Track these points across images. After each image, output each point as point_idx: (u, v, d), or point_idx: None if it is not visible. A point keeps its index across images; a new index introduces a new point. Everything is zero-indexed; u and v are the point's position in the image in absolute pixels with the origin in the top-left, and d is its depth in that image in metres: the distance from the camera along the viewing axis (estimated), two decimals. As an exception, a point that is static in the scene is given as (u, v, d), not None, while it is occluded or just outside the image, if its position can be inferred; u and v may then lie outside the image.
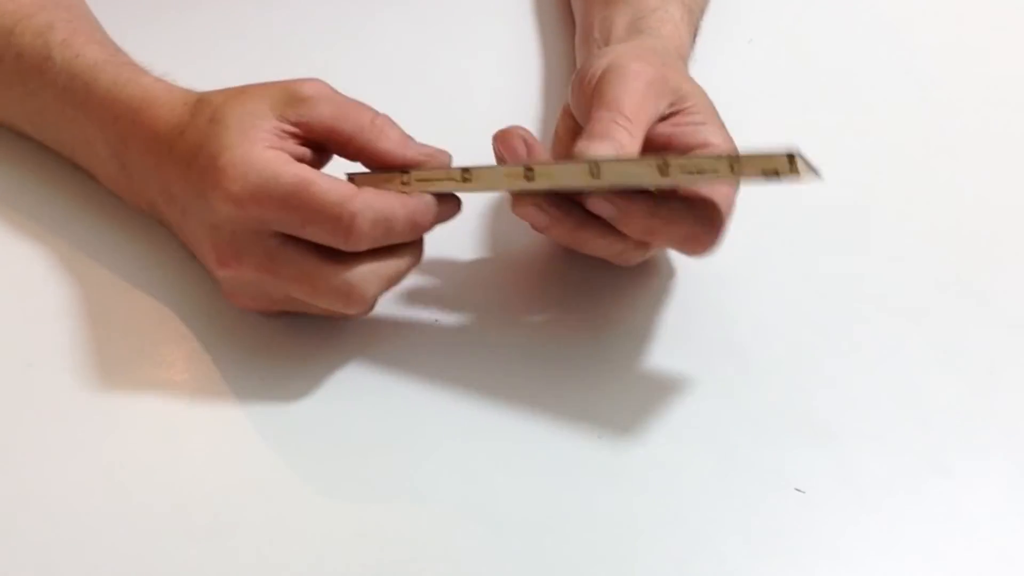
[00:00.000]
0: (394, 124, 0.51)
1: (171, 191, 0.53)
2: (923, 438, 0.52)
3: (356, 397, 0.53)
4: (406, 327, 0.56)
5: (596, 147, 0.49)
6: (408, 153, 0.51)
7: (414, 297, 0.57)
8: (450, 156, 0.52)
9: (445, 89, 0.69)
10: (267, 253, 0.49)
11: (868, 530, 0.49)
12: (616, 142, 0.49)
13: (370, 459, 0.51)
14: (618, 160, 0.47)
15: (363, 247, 0.49)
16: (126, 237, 0.58)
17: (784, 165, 0.43)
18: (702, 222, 0.50)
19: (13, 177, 0.62)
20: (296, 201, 0.48)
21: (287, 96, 0.50)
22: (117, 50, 0.58)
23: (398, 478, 0.50)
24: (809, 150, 0.66)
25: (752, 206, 0.61)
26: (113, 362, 0.53)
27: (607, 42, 0.62)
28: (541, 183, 0.48)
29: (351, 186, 0.49)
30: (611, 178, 0.47)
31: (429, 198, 0.50)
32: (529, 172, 0.48)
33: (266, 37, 0.72)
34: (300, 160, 0.49)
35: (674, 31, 0.62)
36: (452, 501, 0.49)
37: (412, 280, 0.58)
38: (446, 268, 0.59)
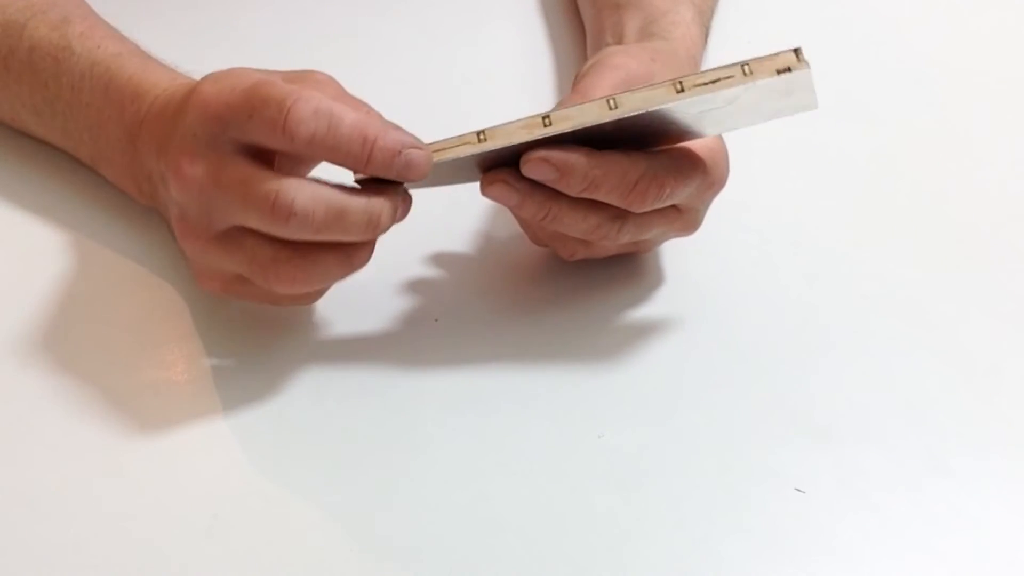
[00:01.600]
0: (383, 119, 0.50)
1: (160, 137, 0.52)
2: (923, 438, 0.52)
3: (356, 397, 0.53)
4: (406, 327, 0.56)
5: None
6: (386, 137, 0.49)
7: (414, 297, 0.57)
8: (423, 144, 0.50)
9: (452, 91, 0.69)
10: (218, 159, 0.47)
11: (868, 530, 0.49)
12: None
13: (369, 459, 0.51)
14: (634, 91, 0.48)
15: (301, 137, 0.46)
16: (126, 235, 0.58)
17: (792, 59, 0.46)
18: (647, 172, 0.50)
19: (13, 177, 0.62)
20: (252, 91, 0.47)
21: (295, 76, 0.50)
22: (136, 45, 0.59)
23: (397, 478, 0.50)
24: (809, 150, 0.67)
25: (752, 206, 0.61)
26: (112, 362, 0.53)
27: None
28: (560, 126, 0.48)
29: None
30: (629, 106, 0.47)
31: (391, 124, 0.49)
32: (547, 119, 0.48)
33: (267, 36, 0.72)
34: None
35: (685, 32, 0.62)
36: (451, 501, 0.49)
37: (412, 280, 0.58)
38: (446, 268, 0.59)
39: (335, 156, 0.47)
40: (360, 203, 0.48)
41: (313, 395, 0.53)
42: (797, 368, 0.55)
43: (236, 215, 0.48)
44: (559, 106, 0.51)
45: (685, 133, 0.51)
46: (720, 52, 0.71)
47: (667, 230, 0.54)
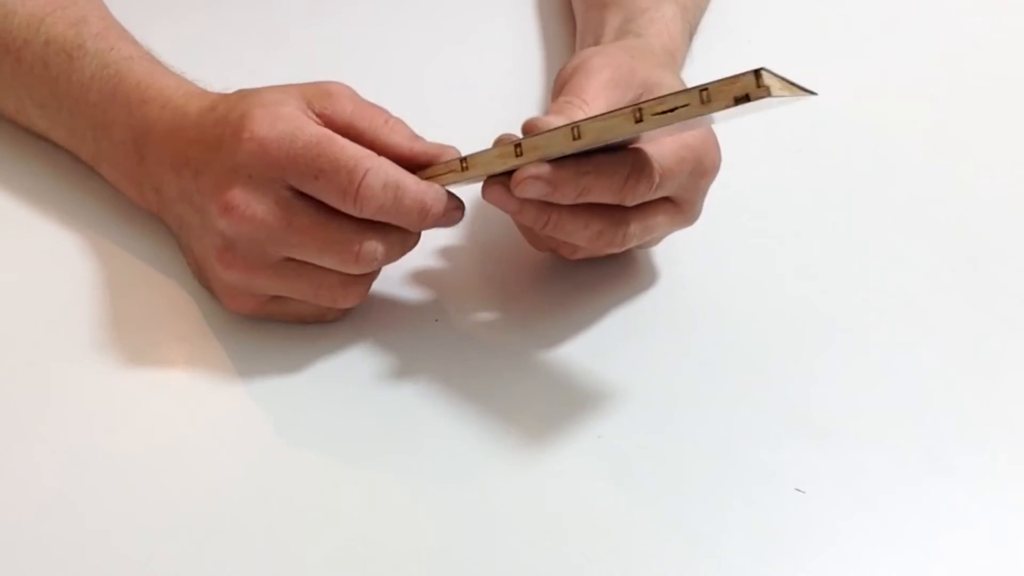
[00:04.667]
0: (406, 125, 0.53)
1: (187, 156, 0.53)
2: (923, 438, 0.52)
3: (356, 397, 0.53)
4: (406, 327, 0.56)
5: (551, 119, 0.50)
6: (416, 146, 0.52)
7: (414, 297, 0.57)
8: (457, 151, 0.52)
9: (449, 90, 0.69)
10: (280, 201, 0.50)
11: (868, 530, 0.49)
12: (568, 117, 0.51)
13: (369, 459, 0.51)
14: (595, 118, 0.48)
15: (369, 208, 0.50)
16: (130, 236, 0.58)
17: (751, 84, 0.42)
18: (635, 166, 0.50)
19: (16, 175, 0.62)
20: (317, 150, 0.49)
21: (314, 91, 0.52)
22: (149, 50, 0.60)
23: (397, 478, 0.50)
24: (809, 150, 0.67)
25: (751, 205, 0.61)
26: (114, 362, 0.53)
27: (597, 45, 0.62)
28: (530, 156, 0.49)
29: (370, 151, 0.50)
30: (591, 136, 0.47)
31: (440, 189, 0.51)
32: (518, 148, 0.49)
33: (270, 38, 0.72)
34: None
35: (663, 29, 0.62)
36: (451, 501, 0.49)
37: (412, 280, 0.58)
38: (446, 268, 0.59)
39: (392, 220, 0.51)
40: (419, 223, 0.52)
41: (313, 395, 0.53)
42: (797, 368, 0.55)
43: (309, 256, 0.51)
44: (545, 114, 0.51)
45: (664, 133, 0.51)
46: (720, 52, 0.71)
47: (667, 224, 0.55)
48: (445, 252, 0.59)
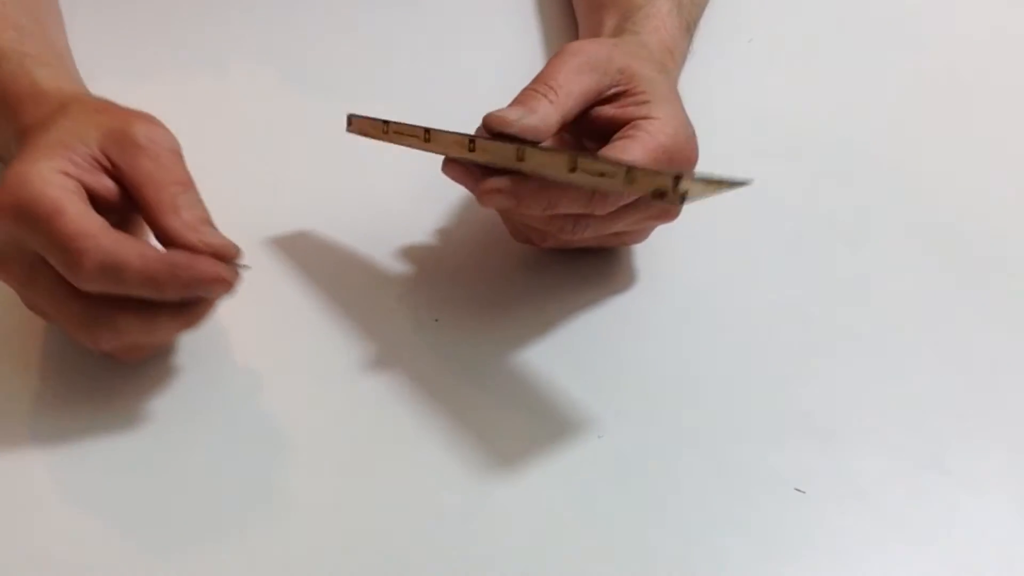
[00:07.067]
0: (198, 205, 0.49)
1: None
2: (923, 437, 0.52)
3: (356, 397, 0.53)
4: (406, 327, 0.56)
5: (508, 112, 0.50)
6: (190, 238, 0.48)
7: (414, 297, 0.57)
8: (238, 249, 0.49)
9: (449, 88, 0.69)
10: (27, 265, 0.48)
11: (868, 530, 0.49)
12: (528, 108, 0.50)
13: (369, 459, 0.51)
14: (540, 150, 0.49)
15: (91, 287, 0.46)
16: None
17: (668, 186, 0.43)
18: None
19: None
20: (42, 224, 0.46)
21: (121, 134, 0.49)
22: (33, 36, 0.57)
23: (397, 478, 0.50)
24: (809, 149, 0.67)
25: (750, 204, 0.61)
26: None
27: None
28: (479, 156, 0.50)
29: (98, 226, 0.46)
30: (532, 164, 0.48)
31: (188, 257, 0.47)
32: (472, 144, 0.50)
33: (266, 36, 0.72)
34: (100, 193, 0.48)
35: (660, 25, 0.62)
36: (452, 501, 0.49)
37: (412, 280, 0.58)
38: (446, 268, 0.59)
39: (134, 295, 0.47)
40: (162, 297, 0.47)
41: (314, 395, 0.53)
42: (797, 368, 0.55)
43: (55, 320, 0.49)
44: (510, 104, 0.51)
45: None
46: (720, 52, 0.71)
47: (643, 220, 0.54)
48: (445, 252, 0.59)
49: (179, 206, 0.48)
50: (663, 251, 0.60)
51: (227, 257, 0.48)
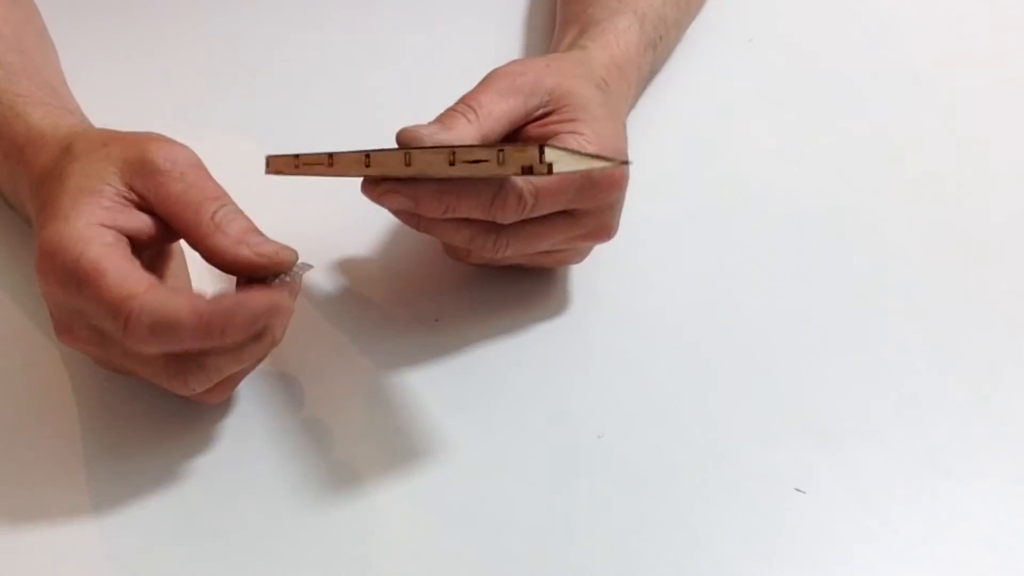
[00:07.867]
0: (240, 217, 0.48)
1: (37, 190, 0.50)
2: (923, 438, 0.52)
3: (356, 397, 0.53)
4: (406, 327, 0.56)
5: (422, 128, 0.49)
6: (240, 253, 0.46)
7: (414, 297, 0.57)
8: (295, 253, 0.48)
9: (445, 91, 0.69)
10: (96, 329, 0.46)
11: (868, 530, 0.49)
12: (445, 126, 0.49)
13: (370, 460, 0.51)
14: (423, 150, 0.48)
15: (150, 350, 0.44)
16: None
17: (535, 158, 0.43)
18: (503, 187, 0.49)
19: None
20: (87, 290, 0.44)
21: (140, 163, 0.47)
22: (24, 72, 0.55)
23: (397, 478, 0.50)
24: (808, 149, 0.67)
25: (750, 204, 0.61)
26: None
27: None
28: (374, 170, 0.49)
29: (143, 282, 0.44)
30: (418, 165, 0.47)
31: (237, 300, 0.44)
32: (367, 159, 0.48)
33: (262, 37, 0.72)
34: (136, 231, 0.47)
35: (612, 40, 0.61)
36: (452, 501, 0.49)
37: (412, 280, 0.58)
38: (446, 268, 0.59)
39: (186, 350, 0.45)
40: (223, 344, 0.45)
41: (314, 395, 0.53)
42: (797, 368, 0.55)
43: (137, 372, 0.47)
44: (438, 118, 0.51)
45: None
46: (720, 52, 0.71)
47: (571, 240, 0.53)
48: (444, 252, 0.59)
49: (220, 222, 0.46)
50: (661, 254, 0.60)
51: (284, 264, 0.47)
